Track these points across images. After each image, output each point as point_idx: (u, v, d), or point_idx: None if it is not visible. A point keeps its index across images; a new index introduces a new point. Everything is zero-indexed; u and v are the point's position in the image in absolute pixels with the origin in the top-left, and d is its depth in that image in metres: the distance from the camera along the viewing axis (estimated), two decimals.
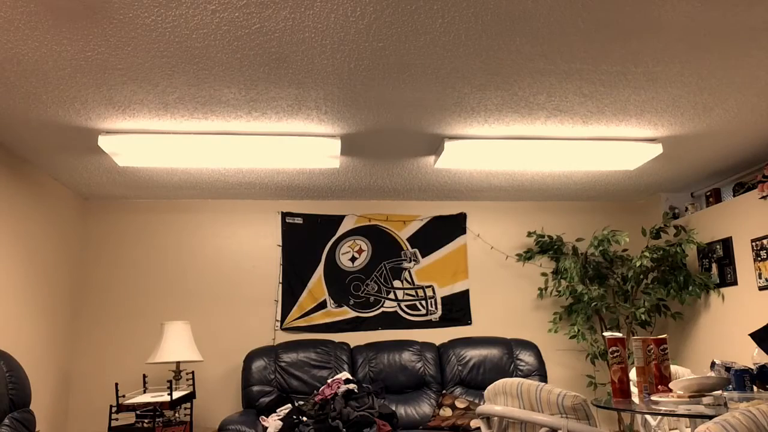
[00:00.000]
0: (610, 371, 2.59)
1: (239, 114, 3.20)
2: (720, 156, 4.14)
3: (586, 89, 3.03)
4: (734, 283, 4.28)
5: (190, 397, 3.90)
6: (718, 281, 4.44)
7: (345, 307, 4.79)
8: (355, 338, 4.70)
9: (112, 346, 4.49)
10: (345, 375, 4.16)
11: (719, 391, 2.26)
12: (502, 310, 4.96)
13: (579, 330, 4.59)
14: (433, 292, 4.93)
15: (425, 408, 4.27)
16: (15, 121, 3.21)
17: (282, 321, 4.69)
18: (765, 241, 3.99)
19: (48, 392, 4.07)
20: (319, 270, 4.82)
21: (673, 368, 3.18)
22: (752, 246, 4.10)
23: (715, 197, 4.64)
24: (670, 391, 2.36)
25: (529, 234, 4.98)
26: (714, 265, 4.49)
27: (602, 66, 2.79)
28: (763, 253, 4.01)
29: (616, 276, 4.87)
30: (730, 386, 2.50)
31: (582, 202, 5.25)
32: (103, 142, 3.38)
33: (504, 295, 4.99)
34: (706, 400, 2.15)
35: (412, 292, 4.91)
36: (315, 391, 4.12)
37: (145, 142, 3.41)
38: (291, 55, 2.61)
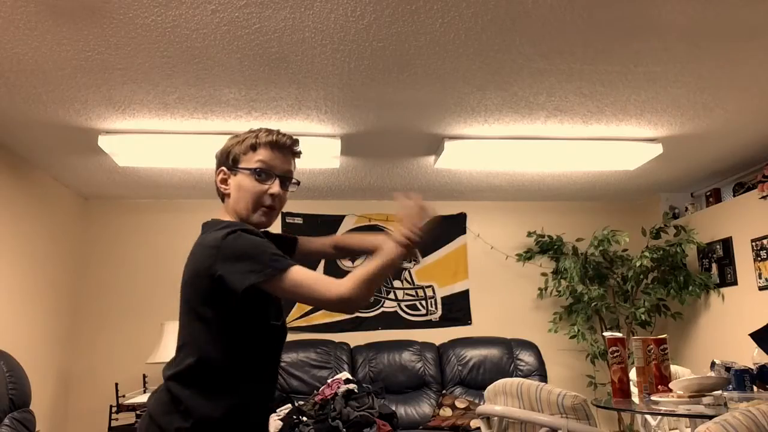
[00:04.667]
0: (610, 371, 2.59)
1: (239, 114, 3.20)
2: (720, 156, 4.14)
3: (586, 89, 3.03)
4: (734, 283, 4.28)
5: None
6: (718, 281, 4.44)
7: None
8: (355, 338, 4.69)
9: (112, 346, 4.49)
10: (345, 375, 4.16)
11: (719, 391, 2.26)
12: (502, 310, 4.96)
13: (579, 330, 4.59)
14: (433, 292, 4.93)
15: (425, 408, 4.27)
16: (15, 121, 3.21)
17: None
18: (765, 241, 3.99)
19: (48, 392, 4.07)
20: (319, 270, 4.81)
21: (673, 368, 3.17)
22: (752, 246, 4.10)
23: (715, 197, 4.64)
24: (670, 391, 2.36)
25: (529, 234, 4.98)
26: (714, 265, 4.49)
27: (602, 66, 2.78)
28: (763, 253, 4.01)
29: (616, 276, 4.87)
30: (730, 386, 2.50)
31: (582, 202, 5.25)
32: (103, 142, 3.38)
33: (504, 295, 4.98)
34: (706, 400, 2.15)
35: (412, 292, 4.90)
36: (315, 391, 4.11)
37: (145, 142, 3.41)
38: (291, 55, 2.61)
